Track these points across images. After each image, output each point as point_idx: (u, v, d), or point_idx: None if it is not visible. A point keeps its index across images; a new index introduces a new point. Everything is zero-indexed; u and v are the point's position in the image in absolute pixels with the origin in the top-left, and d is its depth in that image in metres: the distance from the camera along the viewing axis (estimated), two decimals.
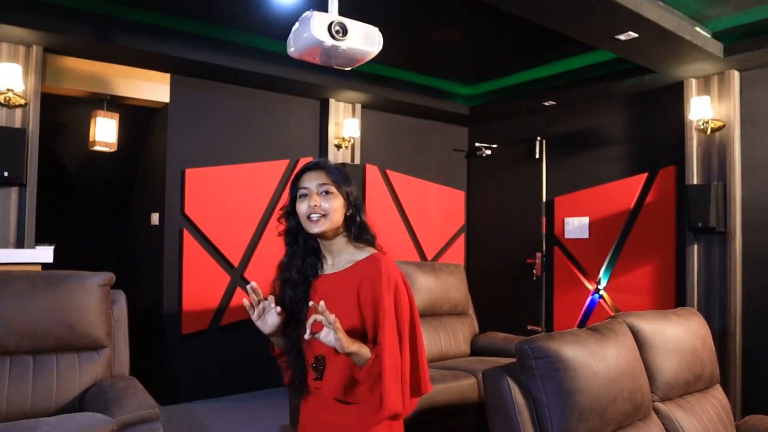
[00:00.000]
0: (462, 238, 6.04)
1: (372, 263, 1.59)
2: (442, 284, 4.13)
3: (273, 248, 4.77)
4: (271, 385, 4.68)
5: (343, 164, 4.99)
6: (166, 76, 4.33)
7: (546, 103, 5.10)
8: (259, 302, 1.58)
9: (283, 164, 4.87)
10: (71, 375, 2.74)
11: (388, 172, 5.47)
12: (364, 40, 2.84)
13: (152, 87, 4.27)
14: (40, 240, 4.09)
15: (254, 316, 1.58)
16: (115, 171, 5.15)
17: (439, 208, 5.86)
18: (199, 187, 4.41)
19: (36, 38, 3.66)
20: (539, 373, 1.98)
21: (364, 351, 1.48)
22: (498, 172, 5.82)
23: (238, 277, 4.61)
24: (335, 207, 1.61)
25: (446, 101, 5.47)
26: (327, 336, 1.43)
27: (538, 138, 5.38)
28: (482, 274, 5.89)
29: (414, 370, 1.57)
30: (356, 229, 1.66)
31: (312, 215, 1.60)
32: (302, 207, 1.62)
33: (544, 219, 5.32)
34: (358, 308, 1.55)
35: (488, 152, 5.84)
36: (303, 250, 1.70)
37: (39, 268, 3.73)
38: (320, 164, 1.68)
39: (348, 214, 1.65)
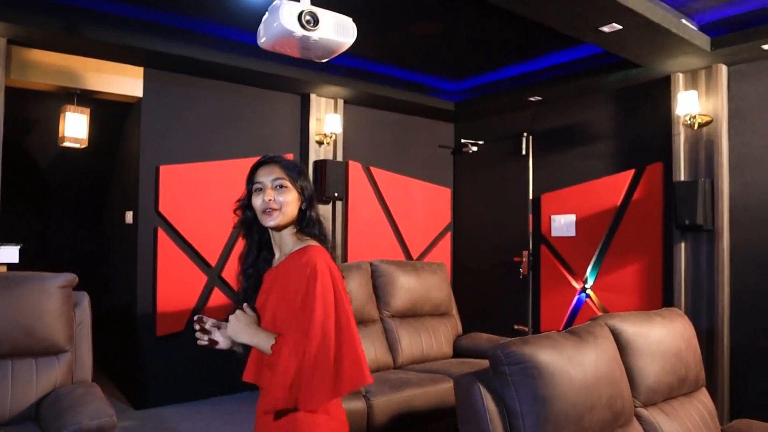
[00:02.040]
0: (448, 237, 5.93)
1: (300, 254, 1.60)
2: (424, 284, 4.02)
3: None
4: (247, 388, 4.55)
5: (324, 161, 4.87)
6: (139, 70, 4.19)
7: (532, 99, 4.99)
8: (204, 331, 1.64)
9: None
10: (27, 381, 2.61)
11: (372, 169, 5.36)
12: (337, 30, 2.74)
13: (125, 81, 4.13)
14: (8, 239, 3.94)
15: (205, 343, 1.64)
16: (88, 168, 5.01)
17: (425, 205, 5.74)
18: (174, 185, 4.28)
19: (0, 30, 3.51)
20: (513, 379, 1.88)
21: (262, 342, 1.52)
22: (484, 168, 5.71)
23: (216, 277, 4.49)
24: (289, 201, 1.63)
25: (431, 97, 5.35)
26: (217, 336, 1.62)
27: (525, 134, 5.28)
28: (469, 273, 5.78)
29: (338, 363, 1.51)
30: (305, 223, 1.67)
31: (267, 209, 1.61)
32: (257, 201, 1.64)
33: (530, 216, 5.22)
34: (287, 300, 1.55)
35: (474, 149, 5.73)
36: (257, 243, 1.75)
37: (4, 268, 3.59)
38: (275, 159, 1.70)
39: (302, 208, 1.67)
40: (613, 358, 2.09)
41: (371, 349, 3.57)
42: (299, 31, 2.65)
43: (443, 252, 5.85)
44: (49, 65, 3.85)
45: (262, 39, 2.88)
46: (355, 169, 5.23)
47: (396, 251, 5.46)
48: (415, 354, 3.79)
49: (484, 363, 3.26)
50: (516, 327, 5.15)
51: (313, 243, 1.64)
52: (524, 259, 5.21)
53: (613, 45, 3.62)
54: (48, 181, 5.08)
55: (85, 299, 2.95)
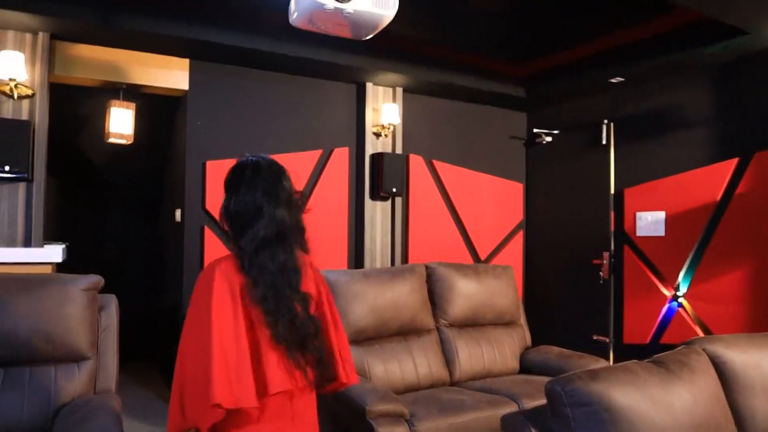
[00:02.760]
0: (520, 236, 5.42)
1: None
2: (486, 289, 3.58)
3: None
4: None
5: (381, 154, 4.53)
6: (185, 62, 4.02)
7: (613, 80, 4.39)
8: None
9: (315, 155, 4.47)
10: (45, 390, 2.44)
11: (435, 162, 4.95)
12: (374, 1, 2.40)
13: (171, 74, 3.98)
14: (57, 237, 3.91)
15: None
16: (140, 165, 4.95)
17: (494, 202, 5.27)
18: (221, 181, 4.07)
19: (42, 24, 3.43)
20: (576, 425, 1.44)
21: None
22: (560, 161, 5.15)
23: None
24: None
25: (499, 82, 4.87)
26: None
27: (605, 121, 4.68)
28: (541, 276, 5.25)
29: (204, 377, 1.46)
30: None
31: None
32: None
33: (612, 214, 4.62)
34: None
35: (548, 139, 5.18)
36: None
37: (50, 268, 3.52)
38: None
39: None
40: (714, 397, 1.60)
41: (425, 362, 3.19)
42: (330, 3, 2.36)
43: (514, 253, 5.34)
44: (94, 60, 3.75)
45: (294, 15, 2.59)
46: (416, 162, 4.85)
47: (461, 252, 5.03)
48: (475, 368, 3.36)
49: None
50: (595, 338, 4.58)
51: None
52: (605, 262, 4.62)
53: (713, 7, 3.01)
54: (99, 179, 5.07)
55: (112, 303, 2.77)
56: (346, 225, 4.55)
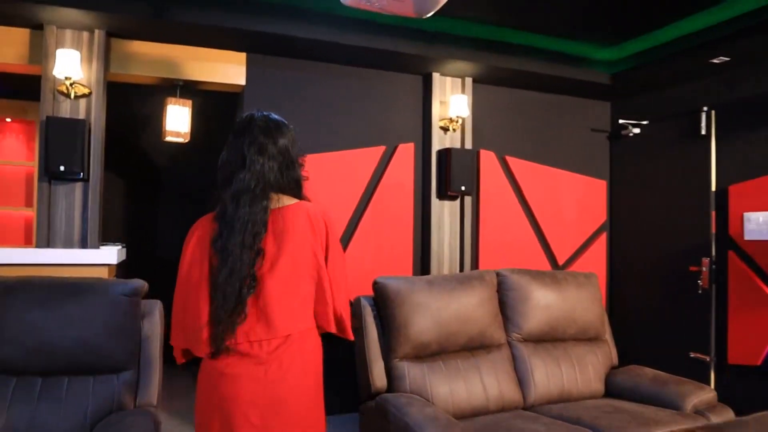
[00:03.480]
0: (603, 239, 4.90)
1: None
2: (567, 300, 3.17)
3: (367, 245, 4.11)
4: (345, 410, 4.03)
5: (449, 149, 4.18)
6: (242, 56, 3.85)
7: (716, 60, 3.82)
8: None
9: (378, 151, 4.19)
10: (81, 402, 2.29)
11: (508, 158, 4.55)
12: None
13: (227, 69, 3.82)
14: (121, 238, 3.85)
15: None
16: (199, 163, 4.85)
17: (574, 201, 4.79)
18: None
19: (98, 21, 3.36)
20: None
21: None
22: (650, 154, 4.60)
23: None
24: None
25: (580, 69, 4.39)
26: None
27: (705, 108, 4.10)
28: (628, 285, 4.71)
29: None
30: None
31: None
32: None
33: (713, 214, 4.04)
34: None
35: (637, 131, 4.64)
36: None
37: (105, 270, 3.44)
38: None
39: None
40: None
41: (494, 382, 2.82)
42: None
43: (596, 258, 4.84)
44: (150, 56, 3.65)
45: None
46: (488, 158, 4.47)
47: (537, 257, 4.59)
48: (553, 391, 2.96)
49: (647, 412, 2.36)
50: (692, 356, 4.01)
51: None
52: (704, 269, 4.04)
53: None
54: (158, 178, 5.03)
55: (156, 309, 2.60)
56: (411, 227, 4.25)
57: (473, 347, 2.90)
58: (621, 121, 4.71)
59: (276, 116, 1.83)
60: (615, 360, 3.29)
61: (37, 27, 3.40)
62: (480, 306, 2.89)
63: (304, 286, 1.73)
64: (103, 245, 3.54)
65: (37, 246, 3.35)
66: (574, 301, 3.18)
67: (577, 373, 3.05)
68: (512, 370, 2.95)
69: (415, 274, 4.25)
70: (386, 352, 2.76)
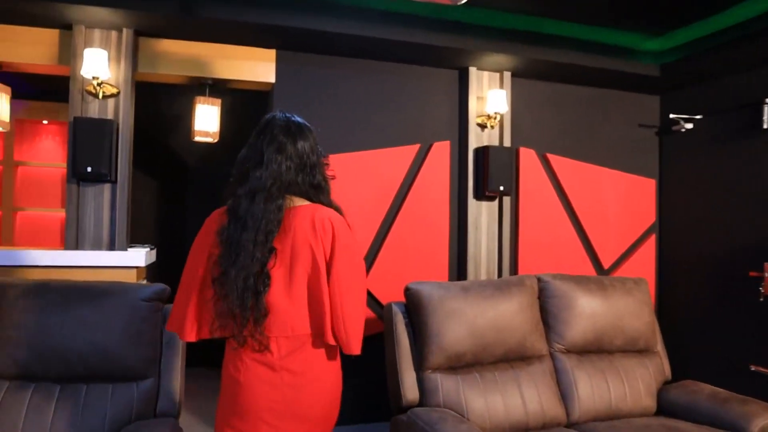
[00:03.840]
0: (652, 241, 4.60)
1: None
2: (614, 308, 2.93)
3: (401, 249, 3.94)
4: (384, 418, 3.87)
5: (487, 147, 3.98)
6: (272, 53, 3.75)
7: None
8: None
9: (412, 150, 4.02)
10: (98, 410, 2.21)
11: (549, 156, 4.31)
12: None
13: (257, 67, 3.73)
14: (152, 239, 3.81)
15: None
16: (226, 164, 4.79)
17: (620, 202, 4.51)
18: None
19: (125, 20, 3.31)
20: None
21: None
22: (704, 151, 4.28)
23: None
24: None
25: (626, 60, 4.12)
26: None
27: (767, 101, 3.78)
28: (680, 291, 4.41)
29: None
30: None
31: None
32: None
33: None
34: None
35: (689, 126, 4.33)
36: None
37: (134, 272, 3.39)
38: None
39: None
40: None
41: (535, 396, 2.61)
42: None
43: (644, 262, 4.54)
44: (179, 55, 3.59)
45: None
46: (527, 156, 4.25)
47: (581, 260, 4.34)
48: (599, 407, 2.73)
49: None
50: (753, 369, 3.69)
51: None
52: (766, 275, 3.72)
53: None
54: (187, 178, 4.97)
55: None
56: (447, 228, 4.06)
57: (512, 358, 2.70)
58: (672, 116, 4.41)
59: (299, 118, 1.83)
60: (668, 374, 3.03)
61: (66, 27, 3.38)
62: (519, 314, 2.69)
63: (305, 288, 1.73)
64: (131, 247, 3.49)
65: (66, 248, 3.32)
66: (622, 309, 2.94)
67: (625, 387, 2.81)
68: (554, 383, 2.74)
69: (450, 278, 4.06)
70: (418, 363, 2.59)
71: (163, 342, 2.43)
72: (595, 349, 2.89)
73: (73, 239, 3.33)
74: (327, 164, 1.88)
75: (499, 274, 4.10)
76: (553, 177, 4.33)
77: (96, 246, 3.36)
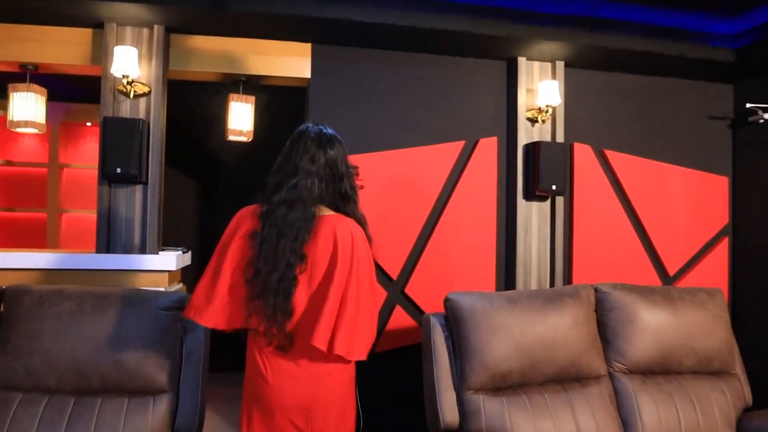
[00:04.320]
0: (724, 246, 4.16)
1: None
2: (683, 322, 2.58)
3: (444, 254, 3.68)
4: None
5: (538, 143, 3.68)
6: (307, 47, 3.57)
7: None
8: None
9: (456, 147, 3.76)
10: (113, 425, 2.08)
11: (607, 152, 3.96)
12: None
13: (291, 62, 3.55)
14: (186, 242, 3.71)
15: None
16: (261, 164, 4.65)
17: (688, 201, 4.09)
18: None
19: (156, 16, 3.20)
20: None
21: None
22: None
23: (398, 294, 3.65)
24: None
25: (695, 45, 3.72)
26: None
27: None
28: (757, 303, 3.95)
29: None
30: None
31: None
32: None
33: None
34: None
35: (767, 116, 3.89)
36: None
37: (165, 276, 3.28)
38: None
39: None
40: None
41: (591, 423, 2.30)
42: None
43: (716, 268, 4.11)
44: (211, 51, 3.46)
45: None
46: (583, 153, 3.91)
47: (643, 268, 3.96)
48: None
49: None
50: None
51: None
52: None
53: None
54: (222, 179, 4.86)
55: (199, 325, 2.34)
56: (495, 231, 3.78)
57: (565, 379, 2.40)
58: (748, 106, 3.96)
59: (330, 130, 1.94)
60: (748, 400, 2.65)
61: (98, 26, 3.30)
62: (574, 329, 2.39)
63: (320, 293, 1.83)
64: (164, 250, 3.39)
65: (98, 251, 3.24)
66: (694, 324, 2.59)
67: (698, 415, 2.46)
68: (614, 408, 2.42)
69: (498, 286, 3.77)
70: (458, 381, 2.34)
71: (184, 354, 2.28)
72: (661, 370, 2.55)
73: (104, 242, 3.25)
74: (356, 174, 1.98)
75: (551, 282, 3.78)
76: (612, 175, 3.97)
77: (127, 249, 3.27)
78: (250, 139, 3.67)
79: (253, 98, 3.63)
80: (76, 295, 2.21)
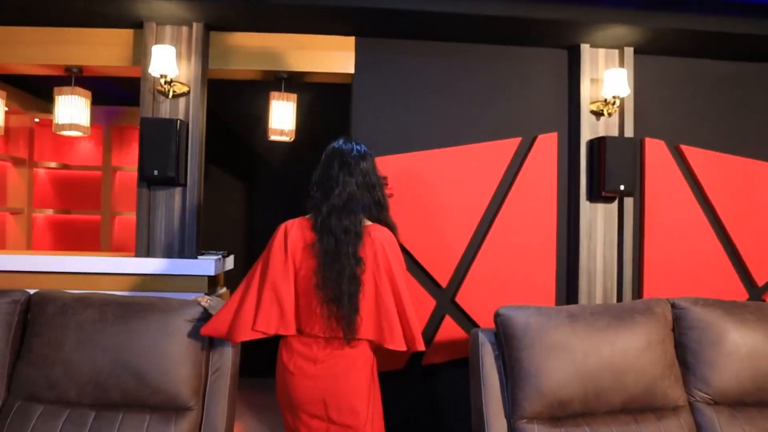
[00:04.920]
0: None
1: None
2: None
3: (498, 260, 3.37)
4: None
5: (603, 138, 3.33)
6: (350, 41, 3.38)
7: None
8: None
9: (511, 145, 3.47)
10: None
11: (684, 148, 3.54)
12: None
13: (334, 56, 3.37)
14: (228, 246, 3.60)
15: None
16: (306, 165, 4.49)
17: None
18: (392, 180, 3.31)
19: (195, 13, 3.10)
20: None
21: None
22: None
23: (448, 302, 3.39)
24: None
25: None
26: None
27: None
28: None
29: (234, 306, 2.03)
30: None
31: None
32: None
33: None
34: None
35: None
36: None
37: (205, 281, 3.16)
38: None
39: None
40: None
41: None
42: None
43: None
44: (252, 48, 3.32)
45: None
46: (655, 149, 3.52)
47: (727, 279, 3.51)
48: None
49: None
50: None
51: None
52: None
53: None
54: (272, 182, 4.72)
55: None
56: (555, 236, 3.45)
57: (635, 409, 2.07)
58: None
59: (359, 145, 2.10)
60: None
61: (138, 26, 3.24)
62: (647, 351, 2.06)
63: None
64: (203, 254, 3.28)
65: (137, 255, 3.16)
66: None
67: None
68: None
69: (558, 297, 3.44)
70: (510, 408, 2.06)
71: (211, 369, 2.12)
72: (753, 401, 2.17)
73: (143, 246, 3.17)
74: (386, 184, 2.15)
75: (619, 294, 3.41)
76: (689, 173, 3.55)
77: (167, 253, 3.18)
78: (292, 139, 3.52)
79: (295, 96, 3.47)
80: (99, 302, 2.09)
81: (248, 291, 1.99)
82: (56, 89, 3.36)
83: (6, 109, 4.33)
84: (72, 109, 3.33)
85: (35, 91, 4.32)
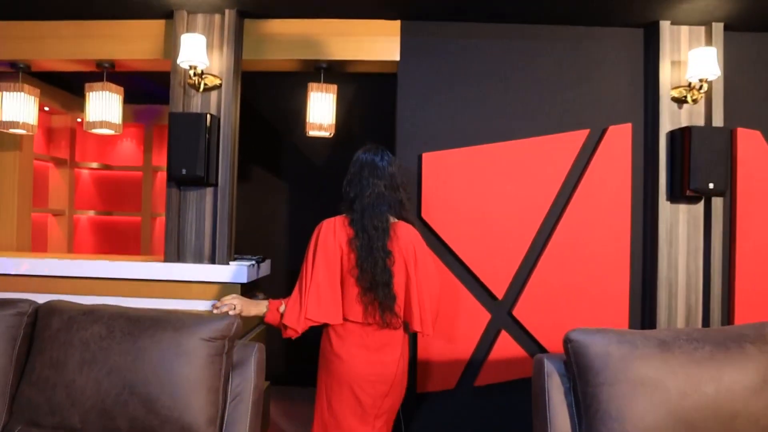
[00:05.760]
0: None
1: None
2: None
3: (563, 269, 2.92)
4: None
5: (688, 129, 2.87)
6: (395, 25, 3.07)
7: None
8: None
9: (578, 138, 3.07)
10: None
11: None
12: None
13: (378, 43, 3.07)
14: (264, 249, 3.36)
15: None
16: (347, 161, 4.22)
17: None
18: (442, 179, 3.01)
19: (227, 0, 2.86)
20: None
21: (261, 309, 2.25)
22: None
23: (505, 315, 3.03)
24: None
25: None
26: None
27: None
28: None
29: (300, 299, 2.22)
30: None
31: None
32: None
33: None
34: None
35: None
36: None
37: (238, 288, 2.92)
38: None
39: None
40: None
41: None
42: None
43: None
44: (288, 36, 3.06)
45: None
46: (750, 140, 3.04)
47: None
48: None
49: None
50: None
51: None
52: None
53: None
54: (315, 178, 4.44)
55: (251, 358, 1.91)
56: (628, 242, 3.02)
57: None
58: None
59: (384, 151, 2.29)
60: None
61: (169, 16, 3.03)
62: (763, 392, 1.64)
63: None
64: (236, 259, 3.03)
65: (166, 260, 2.95)
66: None
67: None
68: None
69: (632, 316, 3.01)
70: None
71: (230, 392, 1.85)
72: None
73: (173, 250, 2.95)
74: (407, 188, 2.33)
75: (705, 313, 2.94)
76: None
77: (197, 258, 2.95)
78: (331, 134, 3.22)
79: (335, 87, 3.18)
80: (108, 317, 1.85)
81: (303, 288, 2.20)
82: (87, 85, 3.20)
83: (46, 108, 4.26)
84: (103, 106, 3.16)
85: (77, 90, 4.21)
